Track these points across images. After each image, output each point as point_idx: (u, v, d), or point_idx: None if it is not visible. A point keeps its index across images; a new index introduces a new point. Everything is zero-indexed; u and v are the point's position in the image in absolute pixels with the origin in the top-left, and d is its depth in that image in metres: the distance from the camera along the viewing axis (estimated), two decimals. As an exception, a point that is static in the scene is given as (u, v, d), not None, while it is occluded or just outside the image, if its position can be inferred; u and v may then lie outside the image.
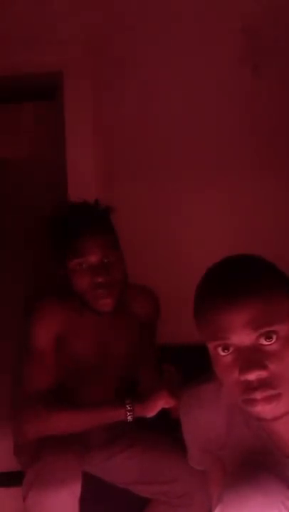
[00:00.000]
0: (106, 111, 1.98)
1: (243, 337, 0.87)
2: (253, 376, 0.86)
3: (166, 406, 1.39)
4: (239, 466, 1.00)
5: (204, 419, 1.08)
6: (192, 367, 1.09)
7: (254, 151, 1.99)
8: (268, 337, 0.87)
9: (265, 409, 0.88)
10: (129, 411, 1.39)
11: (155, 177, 1.94)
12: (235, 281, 0.89)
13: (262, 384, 0.87)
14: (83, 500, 1.35)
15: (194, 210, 1.98)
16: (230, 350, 0.88)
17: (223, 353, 0.89)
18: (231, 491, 0.94)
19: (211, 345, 0.91)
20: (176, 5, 1.98)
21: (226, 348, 0.89)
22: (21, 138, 2.27)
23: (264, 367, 0.87)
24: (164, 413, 1.41)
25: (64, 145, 1.98)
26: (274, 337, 0.87)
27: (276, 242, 1.91)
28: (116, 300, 1.48)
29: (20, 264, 2.23)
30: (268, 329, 0.86)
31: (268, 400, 0.87)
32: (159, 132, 1.98)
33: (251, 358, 0.87)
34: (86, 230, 1.48)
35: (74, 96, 1.99)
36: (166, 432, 1.40)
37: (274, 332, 0.87)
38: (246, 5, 2.00)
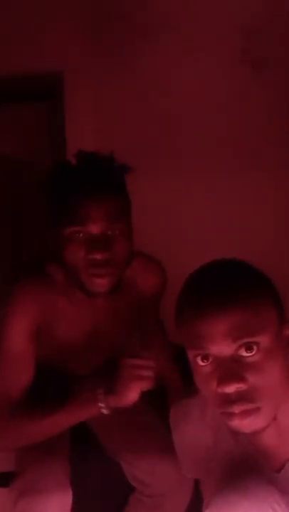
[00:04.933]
0: (106, 111, 1.98)
1: (222, 348, 0.83)
2: (231, 389, 0.83)
3: (145, 388, 1.15)
4: (228, 475, 0.98)
5: (191, 435, 1.06)
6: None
7: (254, 150, 2.00)
8: (249, 348, 0.83)
9: (242, 424, 0.84)
10: (103, 406, 1.17)
11: (155, 176, 1.94)
12: (215, 289, 0.86)
13: (240, 397, 0.83)
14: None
15: (194, 209, 1.98)
16: (210, 361, 0.85)
17: (202, 363, 0.86)
18: (219, 498, 0.92)
19: (190, 354, 0.88)
20: (176, 5, 1.98)
21: (205, 357, 0.85)
22: (21, 138, 2.26)
23: (243, 379, 0.83)
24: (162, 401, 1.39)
25: (64, 145, 1.98)
26: (255, 348, 0.83)
27: (274, 238, 1.92)
28: (114, 281, 1.20)
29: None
30: (248, 340, 0.83)
31: (246, 414, 0.84)
32: (159, 131, 1.98)
33: (230, 369, 0.83)
34: (91, 190, 1.15)
35: (74, 96, 1.99)
36: (162, 420, 1.36)
37: (255, 343, 0.83)
38: (246, 5, 2.00)
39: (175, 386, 1.36)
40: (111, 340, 1.42)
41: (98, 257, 1.16)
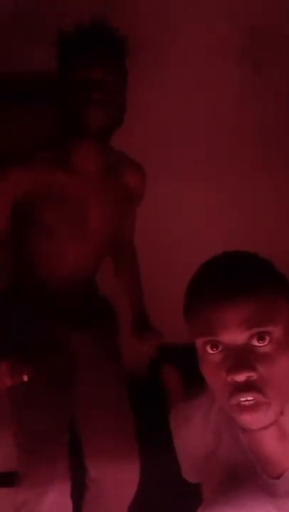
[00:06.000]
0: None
1: (235, 335, 0.82)
2: (241, 377, 0.81)
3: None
4: (227, 481, 0.97)
5: (192, 439, 1.05)
6: (192, 367, 1.09)
7: (254, 150, 2.00)
8: (261, 338, 0.82)
9: (252, 418, 0.83)
10: None
11: (154, 176, 1.93)
12: (233, 276, 0.85)
13: (250, 387, 0.82)
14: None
15: (194, 208, 1.98)
16: (220, 349, 0.84)
17: (211, 351, 0.85)
18: (215, 508, 0.92)
19: (199, 342, 0.87)
20: (176, 5, 1.98)
21: (215, 345, 0.84)
22: (21, 138, 2.26)
23: (254, 369, 0.82)
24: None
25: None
26: (267, 338, 0.82)
27: (274, 240, 1.91)
28: (109, 121, 1.38)
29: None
30: (262, 329, 0.82)
31: (256, 406, 0.82)
32: (158, 131, 1.98)
33: (241, 358, 0.82)
34: (97, 43, 1.38)
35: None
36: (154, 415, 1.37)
37: (268, 333, 0.82)
38: (246, 4, 2.00)
39: (176, 387, 1.38)
40: (99, 232, 1.49)
41: (97, 97, 1.34)
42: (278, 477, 0.94)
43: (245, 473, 0.96)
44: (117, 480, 1.39)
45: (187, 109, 1.98)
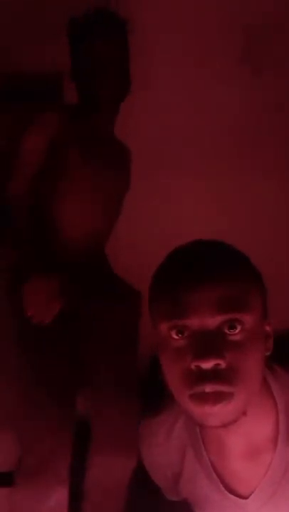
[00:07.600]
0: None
1: (206, 319, 0.76)
2: (208, 364, 0.75)
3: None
4: (192, 506, 0.93)
5: (157, 459, 1.00)
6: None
7: (254, 150, 2.00)
8: (232, 326, 0.77)
9: (213, 410, 0.76)
10: None
11: (152, 175, 1.94)
12: (208, 259, 0.81)
13: (215, 376, 0.75)
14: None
15: (194, 208, 1.98)
16: (186, 335, 0.78)
17: (176, 337, 0.78)
18: None
19: (164, 327, 0.80)
20: (176, 4, 1.98)
21: (181, 331, 0.78)
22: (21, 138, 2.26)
23: (223, 356, 0.75)
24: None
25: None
26: (238, 327, 0.77)
27: (274, 238, 1.92)
28: (117, 89, 1.58)
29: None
30: (234, 315, 0.77)
31: (219, 397, 0.75)
32: (157, 131, 1.98)
33: (210, 344, 0.75)
34: (101, 30, 1.60)
35: (74, 96, 1.98)
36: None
37: (239, 322, 0.77)
38: (246, 5, 2.00)
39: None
40: (111, 178, 1.64)
41: (108, 68, 1.56)
42: (247, 497, 0.89)
43: (212, 494, 0.91)
44: (115, 464, 1.38)
45: (186, 110, 1.98)
